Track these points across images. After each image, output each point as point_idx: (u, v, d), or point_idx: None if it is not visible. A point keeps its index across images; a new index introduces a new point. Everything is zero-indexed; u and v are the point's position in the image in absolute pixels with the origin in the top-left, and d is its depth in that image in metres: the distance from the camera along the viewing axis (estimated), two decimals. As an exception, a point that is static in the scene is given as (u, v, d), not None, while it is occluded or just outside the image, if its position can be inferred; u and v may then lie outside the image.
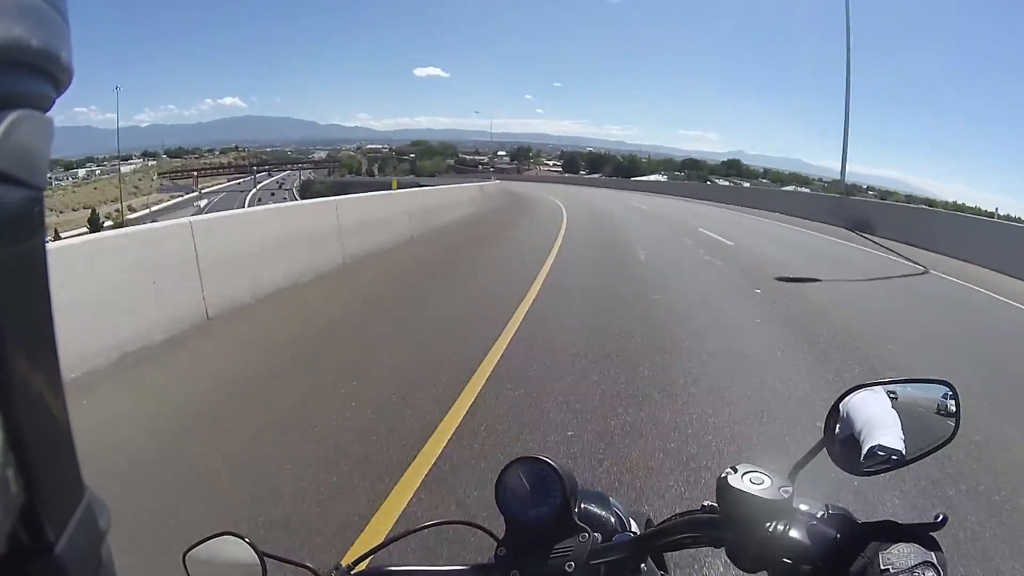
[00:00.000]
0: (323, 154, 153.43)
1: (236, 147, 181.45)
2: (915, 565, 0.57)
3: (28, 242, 0.25)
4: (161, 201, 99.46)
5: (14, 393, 0.23)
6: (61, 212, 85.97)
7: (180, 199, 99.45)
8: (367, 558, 0.85)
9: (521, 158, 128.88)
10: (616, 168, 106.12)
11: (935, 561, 0.56)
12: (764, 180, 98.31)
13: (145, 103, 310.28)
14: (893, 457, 0.69)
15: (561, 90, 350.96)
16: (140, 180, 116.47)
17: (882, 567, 0.58)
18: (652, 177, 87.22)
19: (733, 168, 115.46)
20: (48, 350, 0.27)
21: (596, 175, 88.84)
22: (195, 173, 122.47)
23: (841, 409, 0.73)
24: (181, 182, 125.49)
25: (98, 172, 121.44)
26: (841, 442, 0.72)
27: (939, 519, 0.61)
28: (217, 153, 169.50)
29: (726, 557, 0.70)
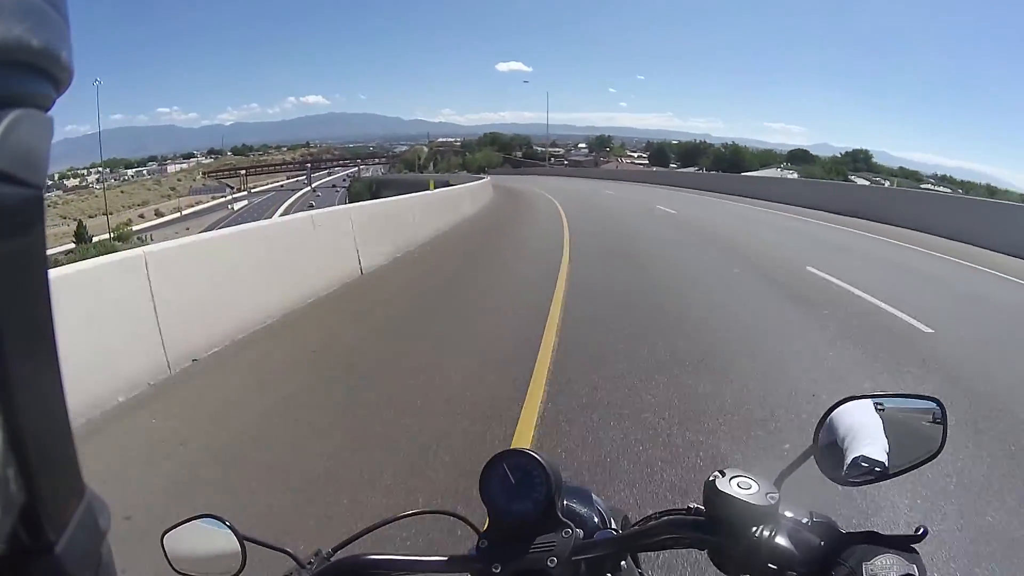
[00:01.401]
0: (405, 149, 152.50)
1: (307, 144, 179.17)
2: None
3: (28, 242, 0.25)
4: (200, 203, 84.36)
5: (14, 393, 0.24)
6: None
7: (214, 202, 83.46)
8: (347, 544, 0.85)
9: (599, 150, 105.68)
10: (716, 161, 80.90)
11: (916, 573, 0.60)
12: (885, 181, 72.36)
13: (228, 102, 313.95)
14: (876, 469, 0.72)
15: (644, 83, 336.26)
16: (179, 181, 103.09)
17: None
18: (766, 172, 64.47)
19: (863, 163, 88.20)
20: (48, 350, 0.27)
21: (692, 169, 65.72)
22: (243, 172, 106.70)
23: (829, 420, 0.76)
24: (231, 181, 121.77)
25: (145, 173, 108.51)
26: (827, 451, 0.74)
27: (919, 531, 0.64)
28: (285, 150, 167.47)
29: (709, 560, 0.71)
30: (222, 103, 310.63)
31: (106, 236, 61.18)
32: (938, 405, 0.77)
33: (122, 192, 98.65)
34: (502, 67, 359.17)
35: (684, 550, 0.73)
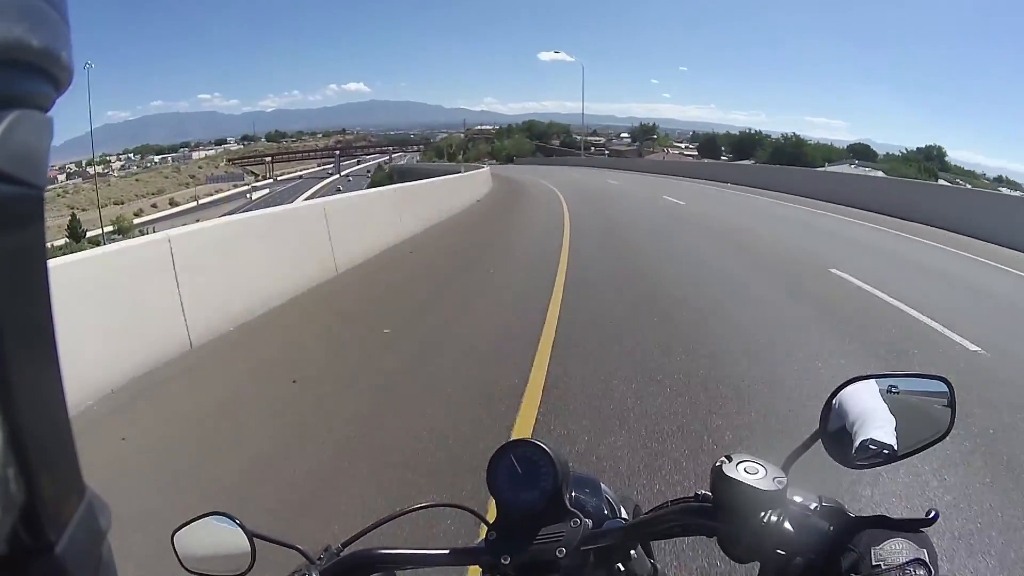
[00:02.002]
0: (444, 136, 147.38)
1: (343, 131, 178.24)
2: (907, 562, 0.60)
3: (28, 241, 0.25)
4: (219, 191, 78.54)
5: (14, 393, 0.24)
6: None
7: (235, 190, 77.38)
8: (356, 539, 0.87)
9: (643, 139, 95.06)
10: (774, 153, 70.06)
11: (926, 558, 0.60)
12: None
13: (269, 89, 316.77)
14: (885, 452, 0.73)
15: (687, 75, 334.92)
16: (200, 168, 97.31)
17: (874, 563, 0.61)
18: (840, 168, 54.11)
19: (936, 162, 76.07)
20: (48, 350, 0.27)
21: (748, 162, 55.82)
22: (268, 159, 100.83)
23: (836, 402, 0.77)
24: (256, 168, 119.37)
25: (171, 160, 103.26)
26: (835, 434, 0.76)
27: (931, 515, 0.65)
28: (320, 137, 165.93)
29: (718, 547, 0.72)
30: (263, 90, 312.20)
31: (107, 230, 54.88)
32: (946, 384, 0.77)
33: (137, 180, 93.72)
34: (544, 56, 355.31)
35: (696, 538, 0.69)
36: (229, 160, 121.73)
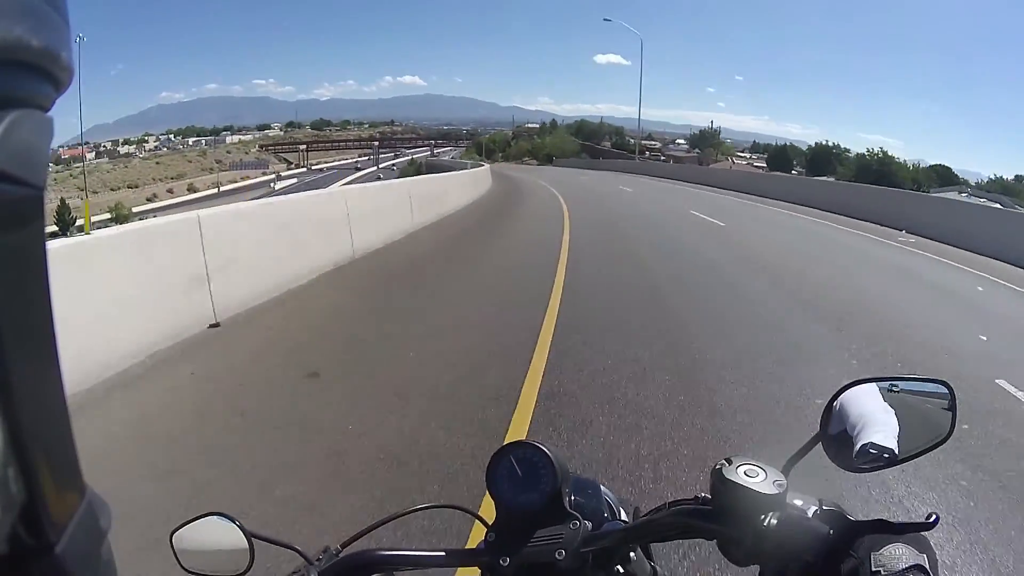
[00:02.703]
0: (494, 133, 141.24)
1: (392, 122, 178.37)
2: (906, 568, 0.60)
3: (28, 241, 0.26)
4: (246, 178, 72.14)
5: (14, 393, 0.24)
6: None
7: (264, 177, 70.83)
8: (355, 540, 0.89)
9: (705, 145, 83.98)
10: (859, 172, 58.09)
11: (926, 564, 0.61)
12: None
13: (325, 77, 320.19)
14: (885, 456, 0.74)
15: (742, 84, 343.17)
16: (229, 153, 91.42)
17: (873, 568, 0.61)
18: (951, 195, 42.23)
19: None
20: (48, 349, 0.27)
21: (826, 178, 44.78)
22: (302, 147, 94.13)
23: (837, 405, 0.78)
24: (290, 156, 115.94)
25: (204, 143, 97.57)
26: (835, 438, 0.77)
27: (931, 519, 0.65)
28: (366, 127, 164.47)
29: (717, 550, 0.73)
30: (319, 78, 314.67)
31: (102, 218, 48.41)
32: (947, 388, 0.78)
33: (157, 163, 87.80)
34: (600, 59, 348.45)
35: (696, 541, 0.74)
36: (262, 146, 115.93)
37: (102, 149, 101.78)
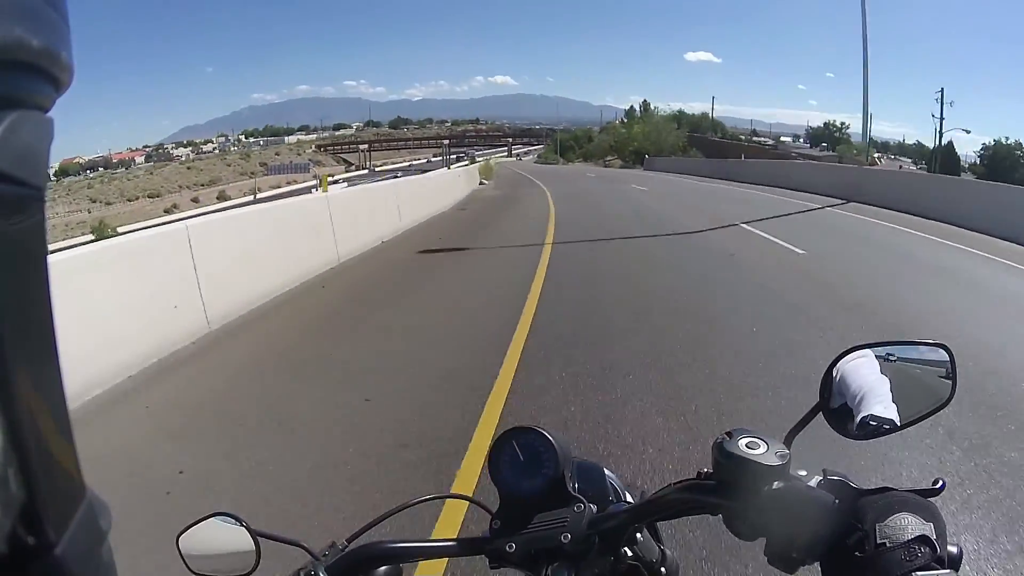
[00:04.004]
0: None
1: (477, 120, 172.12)
2: (911, 540, 0.60)
3: (28, 242, 0.26)
4: (293, 182, 60.59)
5: (15, 393, 0.24)
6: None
7: (315, 180, 59.28)
8: (361, 534, 0.90)
9: (834, 143, 63.06)
10: None
11: (932, 533, 0.60)
12: None
13: (416, 78, 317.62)
14: (885, 426, 0.75)
15: (833, 81, 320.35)
16: (278, 156, 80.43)
17: (879, 540, 0.60)
18: None
19: None
20: (49, 350, 0.28)
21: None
22: (364, 147, 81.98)
23: (836, 374, 0.79)
24: (351, 156, 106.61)
25: (262, 143, 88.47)
26: (836, 409, 0.78)
27: (938, 484, 0.66)
28: (448, 125, 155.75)
29: (723, 526, 0.74)
30: (410, 79, 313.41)
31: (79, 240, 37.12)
32: (946, 350, 0.79)
33: (188, 168, 77.96)
34: (691, 56, 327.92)
35: (704, 519, 0.77)
36: (319, 146, 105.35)
37: (152, 152, 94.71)
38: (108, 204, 58.69)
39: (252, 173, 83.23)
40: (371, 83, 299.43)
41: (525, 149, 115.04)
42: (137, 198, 63.31)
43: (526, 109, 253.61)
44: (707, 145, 66.63)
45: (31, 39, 0.24)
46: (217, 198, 74.90)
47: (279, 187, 77.52)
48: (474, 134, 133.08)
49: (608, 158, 72.33)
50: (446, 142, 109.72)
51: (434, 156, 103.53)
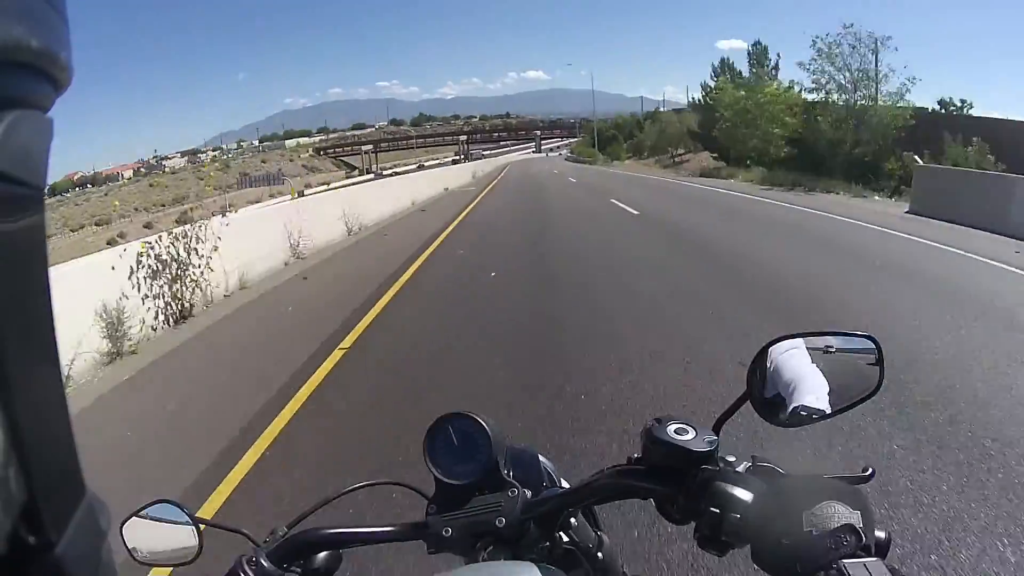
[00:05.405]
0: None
1: (507, 114, 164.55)
2: (837, 528, 0.60)
3: (28, 242, 0.26)
4: (278, 194, 46.10)
5: (14, 393, 0.24)
6: None
7: (276, 202, 39.93)
8: (300, 521, 0.93)
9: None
10: None
11: (859, 523, 0.61)
12: None
13: (448, 76, 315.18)
14: (815, 416, 0.77)
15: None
16: (264, 163, 66.55)
17: (805, 527, 0.61)
18: None
19: None
20: (48, 349, 0.28)
21: None
22: (364, 148, 67.77)
23: (768, 363, 0.79)
24: (353, 159, 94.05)
25: (262, 149, 77.23)
26: (766, 398, 0.79)
27: (867, 472, 0.68)
28: (475, 119, 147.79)
29: (655, 510, 0.79)
30: (443, 77, 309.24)
31: None
32: (872, 341, 0.81)
33: (150, 185, 65.64)
34: (722, 45, 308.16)
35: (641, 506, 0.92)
36: (317, 150, 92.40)
37: (146, 164, 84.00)
38: (48, 237, 47.21)
39: (227, 187, 70.51)
40: (404, 83, 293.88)
41: (554, 143, 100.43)
42: (82, 226, 52.56)
43: (560, 103, 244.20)
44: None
45: (30, 39, 0.24)
46: (176, 222, 61.92)
47: (259, 201, 65.03)
48: (502, 128, 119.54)
49: (679, 152, 43.36)
50: (463, 138, 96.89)
51: (457, 155, 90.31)
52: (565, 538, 0.82)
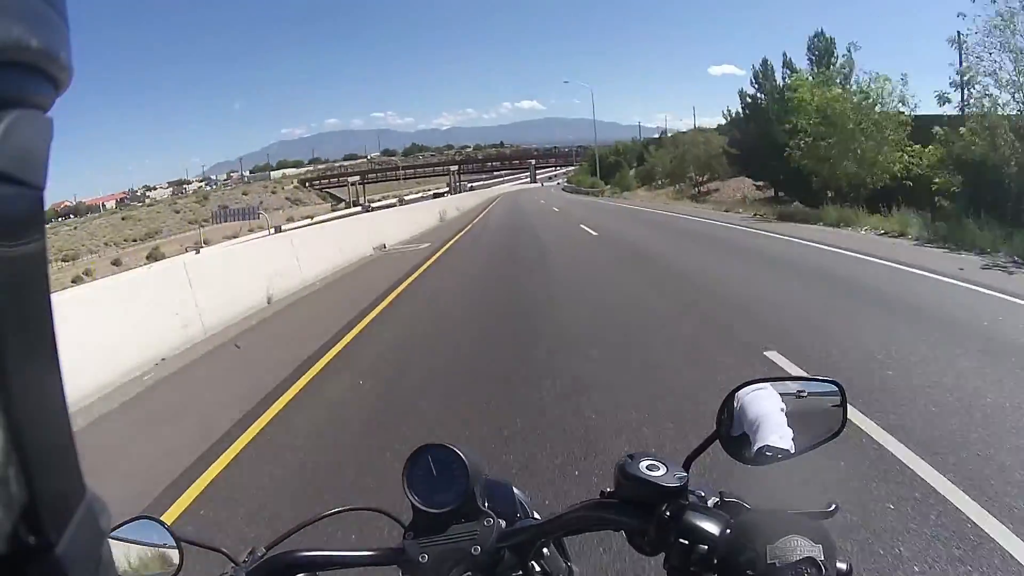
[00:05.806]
0: None
1: (501, 143, 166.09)
2: (799, 560, 0.64)
3: (28, 242, 0.26)
4: (259, 228, 42.70)
5: (14, 393, 0.24)
6: None
7: (258, 236, 37.04)
8: (279, 542, 0.96)
9: None
10: None
11: (820, 555, 0.65)
12: None
13: (444, 107, 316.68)
14: (779, 456, 0.81)
15: None
16: (245, 195, 63.74)
17: (768, 560, 0.65)
18: None
19: None
20: (48, 350, 0.28)
21: None
22: (350, 180, 64.79)
23: (733, 403, 0.84)
24: (339, 191, 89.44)
25: (246, 179, 75.37)
26: (734, 437, 0.84)
27: (831, 507, 0.72)
28: (470, 149, 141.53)
29: (627, 542, 0.83)
30: (438, 108, 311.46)
31: None
32: (837, 386, 0.86)
33: (123, 219, 62.58)
34: (715, 70, 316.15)
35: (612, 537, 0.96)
36: (302, 181, 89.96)
37: (130, 195, 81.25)
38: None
39: (203, 221, 67.60)
40: (399, 114, 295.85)
41: (550, 172, 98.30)
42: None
43: (555, 132, 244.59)
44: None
45: (30, 39, 0.24)
46: (148, 258, 59.18)
47: (236, 236, 62.05)
48: (496, 158, 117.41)
49: (701, 179, 38.06)
50: (454, 168, 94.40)
51: (448, 185, 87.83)
52: (538, 568, 0.86)
